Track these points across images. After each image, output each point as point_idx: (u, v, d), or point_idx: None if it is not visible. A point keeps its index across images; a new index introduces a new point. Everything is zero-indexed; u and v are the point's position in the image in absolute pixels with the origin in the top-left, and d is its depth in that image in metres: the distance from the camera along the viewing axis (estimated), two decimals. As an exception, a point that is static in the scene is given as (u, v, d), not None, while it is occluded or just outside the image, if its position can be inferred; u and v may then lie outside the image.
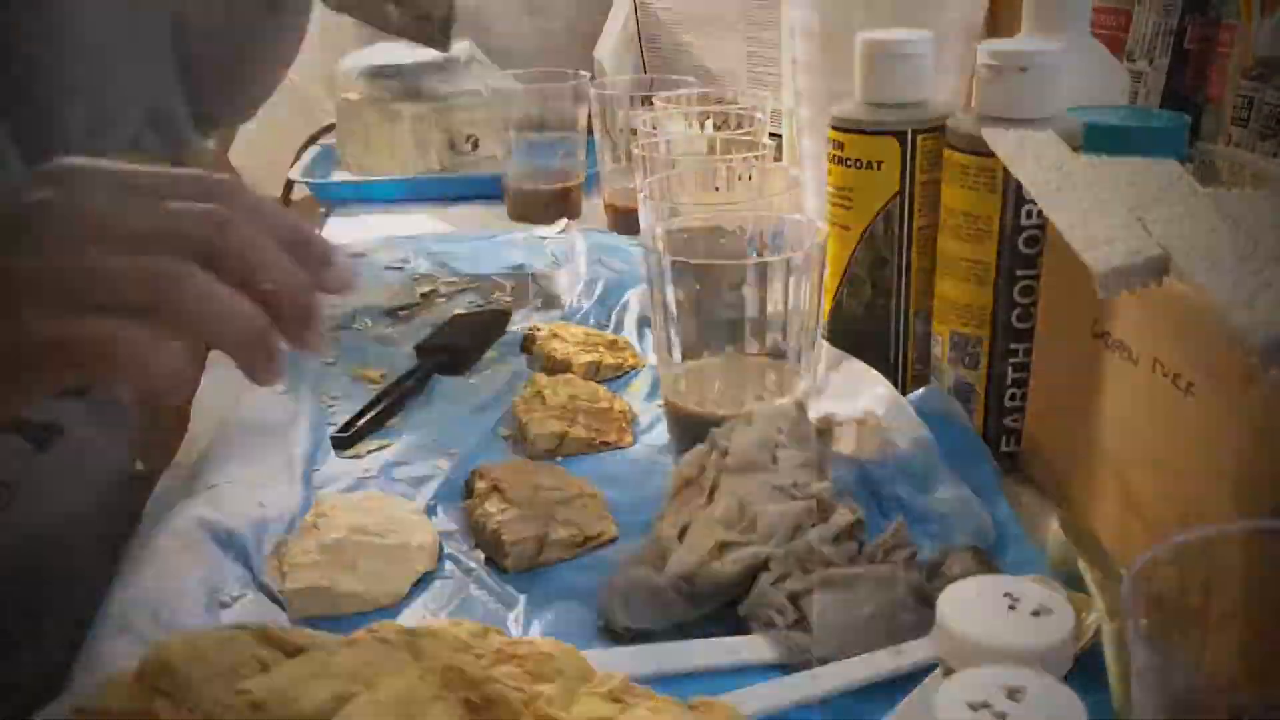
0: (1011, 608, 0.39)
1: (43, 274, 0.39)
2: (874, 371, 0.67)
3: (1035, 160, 0.53)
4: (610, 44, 1.26)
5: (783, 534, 0.51)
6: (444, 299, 0.90)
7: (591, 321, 0.84)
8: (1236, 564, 0.36)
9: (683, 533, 0.52)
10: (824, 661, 0.47)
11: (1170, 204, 0.47)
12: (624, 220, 1.03)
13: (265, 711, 0.38)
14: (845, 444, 0.60)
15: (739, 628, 0.50)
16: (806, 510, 0.52)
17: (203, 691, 0.40)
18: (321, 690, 0.39)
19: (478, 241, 1.02)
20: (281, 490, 0.61)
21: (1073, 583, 0.49)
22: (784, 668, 0.48)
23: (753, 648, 0.49)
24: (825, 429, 0.59)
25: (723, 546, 0.51)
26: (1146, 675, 0.31)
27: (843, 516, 0.52)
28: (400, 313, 0.87)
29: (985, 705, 0.33)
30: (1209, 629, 0.36)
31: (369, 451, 0.66)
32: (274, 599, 0.53)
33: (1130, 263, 0.43)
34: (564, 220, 1.07)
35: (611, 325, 0.83)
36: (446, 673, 0.41)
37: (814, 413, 0.64)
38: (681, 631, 0.50)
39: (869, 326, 0.69)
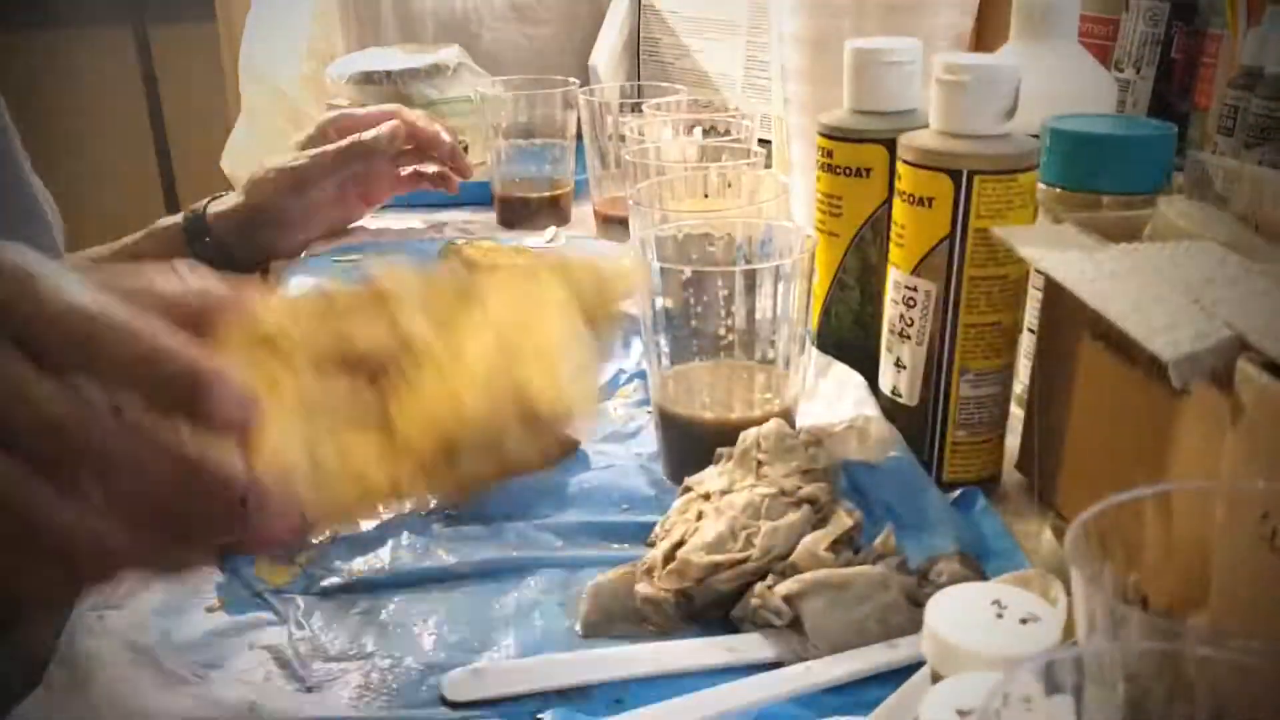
0: (999, 615, 0.39)
1: None
2: (862, 378, 0.67)
3: (1061, 252, 0.51)
4: (606, 50, 1.26)
5: (782, 547, 0.51)
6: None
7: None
8: (1163, 520, 0.36)
9: (673, 551, 0.52)
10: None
11: (1226, 284, 0.46)
12: (613, 227, 1.03)
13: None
14: (845, 448, 0.60)
15: (731, 627, 0.50)
16: (804, 519, 0.52)
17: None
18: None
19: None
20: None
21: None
22: (780, 666, 0.48)
23: (749, 646, 0.49)
24: (815, 440, 0.59)
25: (716, 567, 0.51)
26: (1087, 600, 0.32)
27: (840, 522, 0.52)
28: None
29: (973, 712, 0.33)
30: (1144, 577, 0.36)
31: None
32: (266, 603, 0.53)
33: (1201, 347, 0.42)
34: (553, 227, 1.07)
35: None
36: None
37: (803, 419, 0.64)
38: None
39: (857, 333, 0.70)
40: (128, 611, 0.51)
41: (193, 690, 0.47)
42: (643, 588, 0.51)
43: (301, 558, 0.56)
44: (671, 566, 0.51)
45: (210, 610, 0.52)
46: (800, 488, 0.54)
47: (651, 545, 0.55)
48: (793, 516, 0.52)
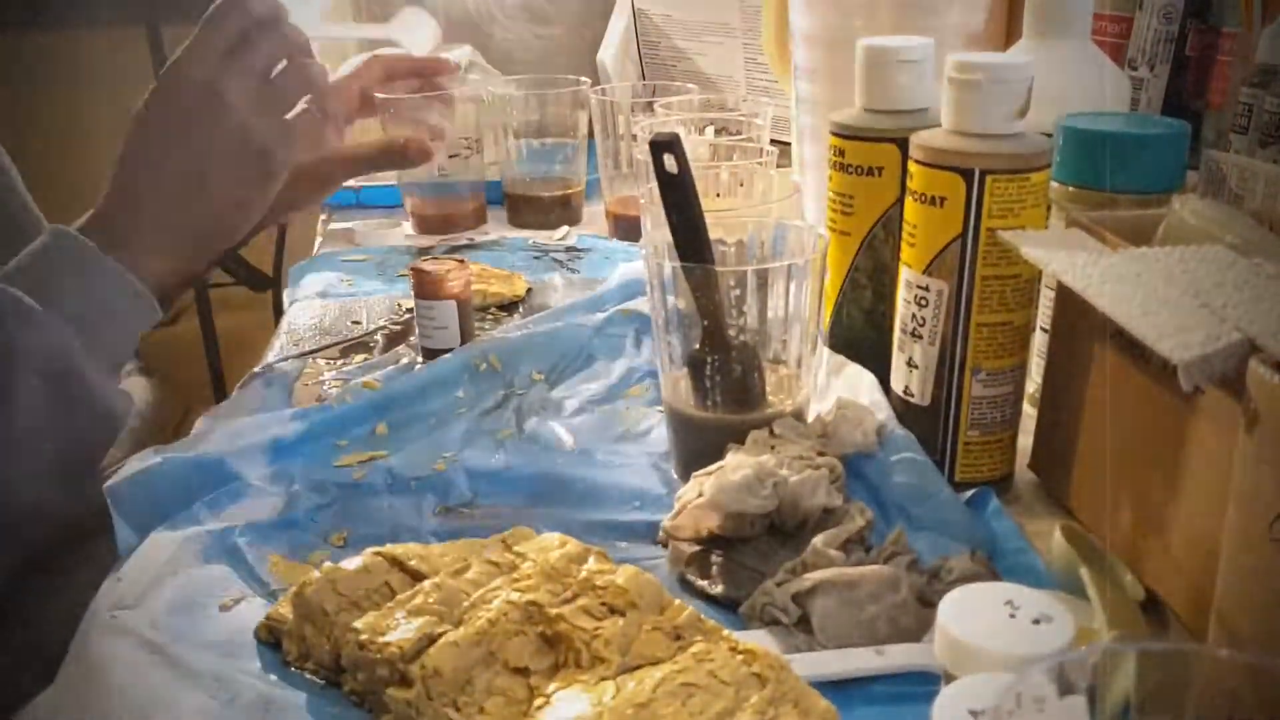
0: (1012, 615, 0.39)
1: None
2: (874, 377, 0.67)
3: (1068, 255, 0.51)
4: (613, 47, 1.27)
5: (807, 496, 0.53)
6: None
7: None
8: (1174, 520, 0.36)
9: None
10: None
11: (1235, 288, 0.46)
12: (625, 226, 1.03)
13: (366, 650, 0.45)
14: (842, 440, 0.61)
15: (739, 625, 0.50)
16: (824, 476, 0.54)
17: (336, 620, 0.47)
18: (411, 631, 0.45)
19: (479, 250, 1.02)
20: (276, 492, 0.62)
21: (1075, 591, 0.49)
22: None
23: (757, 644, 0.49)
24: (824, 432, 0.59)
25: (742, 516, 0.53)
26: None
27: (853, 522, 0.52)
28: (409, 313, 0.88)
29: (985, 712, 0.33)
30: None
31: (360, 462, 0.66)
32: (273, 598, 0.53)
33: (1212, 349, 0.42)
34: (565, 226, 1.07)
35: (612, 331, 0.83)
36: (528, 607, 0.46)
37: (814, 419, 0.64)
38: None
39: (869, 332, 0.70)
40: (142, 610, 0.51)
41: (207, 689, 0.47)
42: (667, 521, 0.54)
43: (315, 557, 0.57)
44: (703, 500, 0.53)
45: (224, 609, 0.52)
46: (820, 454, 0.56)
47: (663, 544, 0.55)
48: (812, 472, 0.53)
